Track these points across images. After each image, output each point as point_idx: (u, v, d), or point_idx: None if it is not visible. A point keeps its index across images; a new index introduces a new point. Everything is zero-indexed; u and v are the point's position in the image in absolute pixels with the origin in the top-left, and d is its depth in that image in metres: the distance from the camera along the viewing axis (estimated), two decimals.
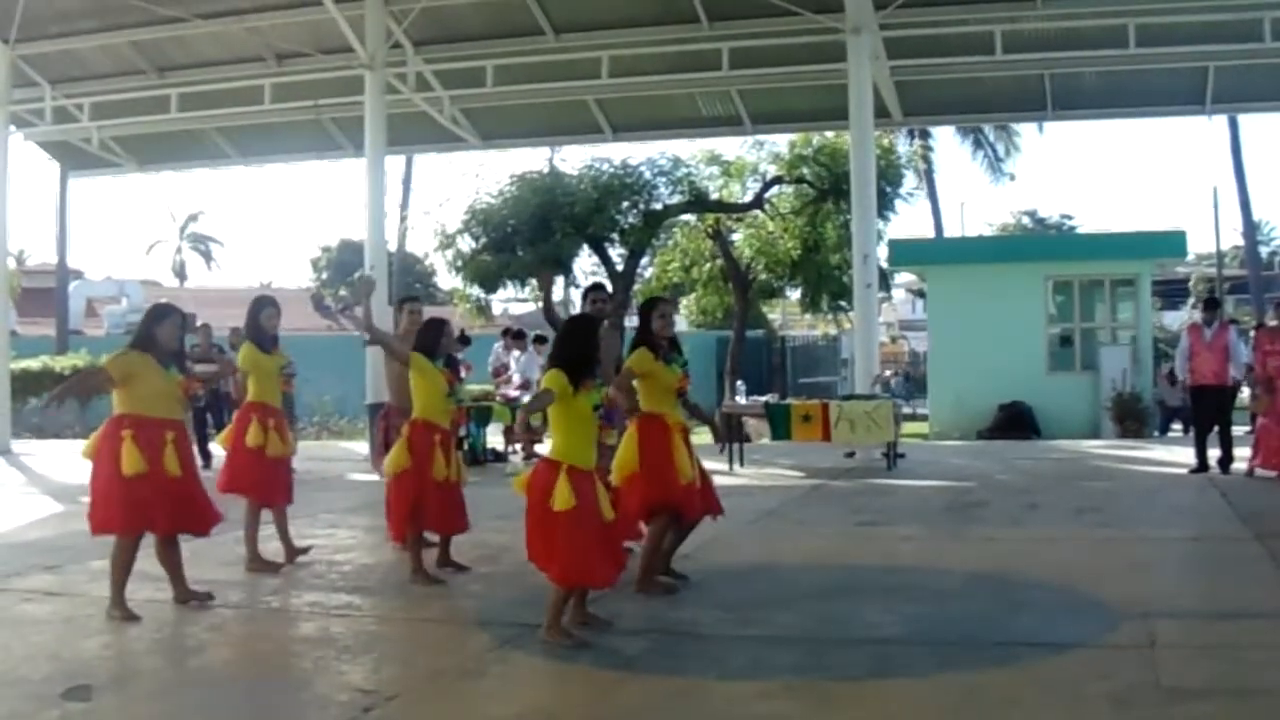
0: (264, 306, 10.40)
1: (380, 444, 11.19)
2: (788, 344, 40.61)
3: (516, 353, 20.76)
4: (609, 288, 16.68)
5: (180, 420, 8.59)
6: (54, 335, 40.88)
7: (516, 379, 20.35)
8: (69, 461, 20.99)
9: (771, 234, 27.61)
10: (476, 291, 26.81)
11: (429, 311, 12.05)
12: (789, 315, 47.19)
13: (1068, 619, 7.87)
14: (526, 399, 19.66)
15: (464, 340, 20.80)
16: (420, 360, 9.72)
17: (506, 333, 22.21)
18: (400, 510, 9.76)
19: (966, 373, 25.35)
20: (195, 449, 10.95)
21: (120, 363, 8.32)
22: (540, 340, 20.99)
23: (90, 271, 66.41)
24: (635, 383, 9.03)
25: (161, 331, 8.41)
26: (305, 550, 10.44)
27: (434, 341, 9.94)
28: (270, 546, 10.24)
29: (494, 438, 20.20)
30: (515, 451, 20.00)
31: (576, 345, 7.60)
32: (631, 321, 24.82)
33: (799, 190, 27.15)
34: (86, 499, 8.38)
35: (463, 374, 12.09)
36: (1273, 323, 15.90)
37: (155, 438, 8.20)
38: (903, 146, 32.31)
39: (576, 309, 14.74)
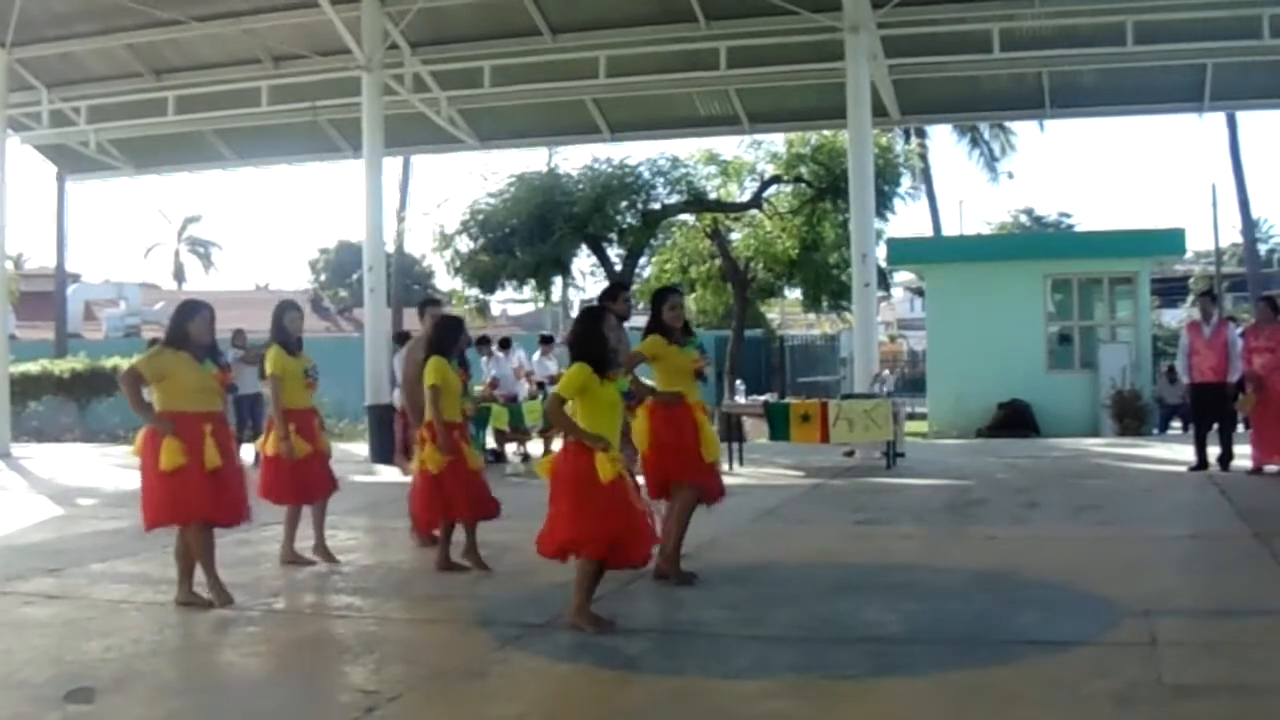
0: (287, 310, 10.57)
1: (401, 443, 11.25)
2: (786, 343, 40.57)
3: (484, 359, 20.78)
4: (606, 286, 16.67)
5: (218, 412, 8.75)
6: (53, 338, 40.91)
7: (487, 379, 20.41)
8: (69, 465, 21.06)
9: (769, 233, 27.61)
10: (475, 292, 26.83)
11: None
12: (788, 314, 47.20)
13: (1069, 617, 7.87)
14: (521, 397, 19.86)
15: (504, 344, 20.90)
16: (439, 366, 9.79)
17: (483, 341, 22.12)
18: (429, 506, 9.95)
19: (966, 371, 25.34)
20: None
21: (152, 363, 8.51)
22: (505, 345, 21.10)
23: (88, 275, 66.61)
24: (653, 370, 9.16)
25: (194, 327, 8.57)
26: (312, 562, 10.44)
27: (451, 341, 10.08)
28: (268, 549, 10.26)
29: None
30: (515, 453, 20.03)
31: (594, 337, 7.70)
32: (630, 321, 24.82)
33: (797, 189, 27.17)
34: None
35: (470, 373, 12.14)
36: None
37: (193, 431, 8.36)
38: (899, 146, 32.30)
39: (575, 310, 14.75)
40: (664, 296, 9.47)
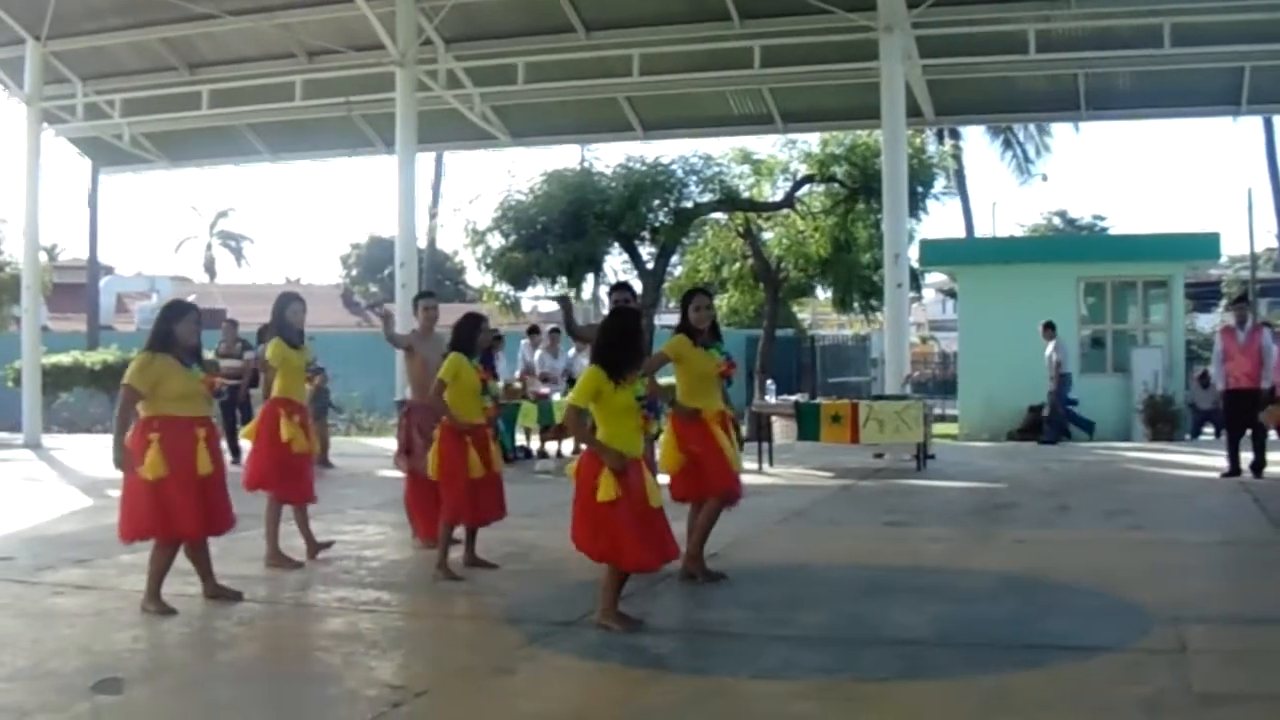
0: (289, 302, 10.49)
1: (403, 441, 11.14)
2: (817, 343, 40.48)
3: (528, 345, 20.91)
4: (635, 285, 16.61)
5: (208, 416, 8.56)
6: (85, 330, 41.11)
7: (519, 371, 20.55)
8: (99, 456, 21.15)
9: (802, 233, 27.52)
10: (506, 289, 26.80)
11: (459, 309, 12.07)
12: (819, 315, 47.10)
13: (1098, 622, 7.83)
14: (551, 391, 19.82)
15: (495, 338, 20.88)
16: (456, 362, 9.71)
17: (532, 330, 22.39)
18: (425, 509, 9.86)
19: (997, 373, 25.21)
20: (225, 444, 11.05)
21: (145, 375, 8.24)
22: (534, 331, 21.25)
23: (121, 267, 66.99)
24: (676, 372, 9.12)
25: (180, 329, 8.37)
26: (328, 545, 10.45)
27: (470, 338, 9.93)
28: (291, 544, 10.26)
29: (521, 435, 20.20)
30: (547, 454, 19.94)
31: (617, 341, 7.65)
32: (660, 320, 24.81)
33: (830, 189, 27.05)
34: (118, 493, 8.40)
35: (497, 372, 12.06)
36: None
37: (185, 437, 8.20)
38: (932, 147, 32.15)
39: (605, 308, 14.70)
40: (691, 297, 9.44)
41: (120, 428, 8.17)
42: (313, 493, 10.46)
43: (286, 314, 10.36)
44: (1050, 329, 22.88)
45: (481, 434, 9.84)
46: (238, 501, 8.75)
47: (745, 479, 9.47)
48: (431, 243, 41.41)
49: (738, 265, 29.43)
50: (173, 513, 8.14)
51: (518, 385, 19.63)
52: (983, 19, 20.98)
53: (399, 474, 11.07)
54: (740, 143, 27.60)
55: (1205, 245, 27.46)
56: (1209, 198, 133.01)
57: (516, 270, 25.09)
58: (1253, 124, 45.22)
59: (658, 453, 9.49)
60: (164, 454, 8.06)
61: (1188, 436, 24.82)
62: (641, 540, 7.42)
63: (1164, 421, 24.08)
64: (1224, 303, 47.94)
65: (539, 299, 35.48)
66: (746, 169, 27.56)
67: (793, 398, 19.76)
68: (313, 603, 8.90)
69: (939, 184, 28.69)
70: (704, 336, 9.16)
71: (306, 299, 10.97)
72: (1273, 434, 16.49)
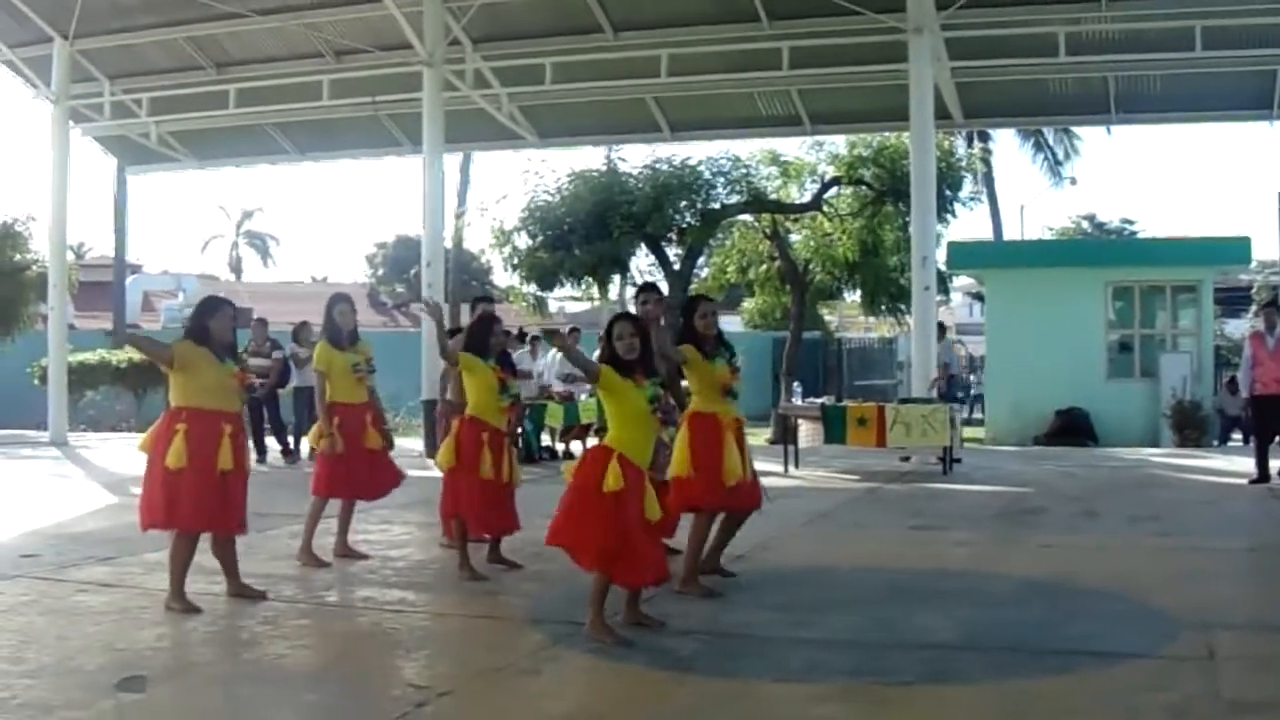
0: (337, 303, 10.50)
1: (441, 440, 11.19)
2: (844, 346, 40.43)
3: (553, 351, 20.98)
4: (661, 288, 16.52)
5: (237, 413, 8.56)
6: (111, 329, 41.25)
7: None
8: (124, 454, 21.22)
9: (829, 235, 27.43)
10: (532, 289, 26.80)
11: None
12: (846, 317, 46.98)
13: (1125, 628, 7.78)
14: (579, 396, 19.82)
15: (520, 337, 20.92)
16: (469, 359, 9.71)
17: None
18: (447, 506, 9.82)
19: (1024, 378, 25.14)
20: (250, 441, 11.10)
21: (183, 348, 8.33)
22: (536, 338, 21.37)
23: (148, 265, 66.87)
24: (688, 377, 9.01)
25: (216, 324, 8.42)
26: (362, 556, 10.41)
27: (482, 340, 9.91)
28: (320, 543, 10.27)
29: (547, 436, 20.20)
30: (573, 455, 19.90)
31: (606, 349, 7.69)
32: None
33: (858, 191, 26.96)
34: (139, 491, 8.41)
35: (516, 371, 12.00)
36: None
37: (212, 431, 8.20)
38: (961, 150, 31.97)
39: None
40: (695, 304, 9.23)
41: (144, 341, 8.45)
42: (359, 491, 10.51)
43: (334, 315, 10.37)
44: (940, 329, 22.90)
45: (498, 438, 9.81)
46: (271, 500, 8.76)
47: (770, 481, 9.43)
48: (458, 243, 41.36)
49: (765, 267, 29.31)
50: (182, 503, 8.12)
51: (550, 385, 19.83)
52: (1012, 21, 20.89)
53: (427, 474, 11.06)
54: (768, 144, 27.52)
55: (1235, 250, 27.32)
56: (1239, 202, 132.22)
57: (543, 270, 25.09)
58: None
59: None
60: (187, 445, 8.08)
61: (1216, 442, 24.71)
62: (635, 549, 7.31)
63: (1192, 427, 23.97)
64: (1253, 308, 47.68)
65: (565, 299, 35.50)
66: (774, 170, 27.46)
67: (819, 400, 19.74)
68: (338, 602, 8.92)
69: (967, 187, 28.54)
70: (710, 346, 9.04)
71: None
72: None
